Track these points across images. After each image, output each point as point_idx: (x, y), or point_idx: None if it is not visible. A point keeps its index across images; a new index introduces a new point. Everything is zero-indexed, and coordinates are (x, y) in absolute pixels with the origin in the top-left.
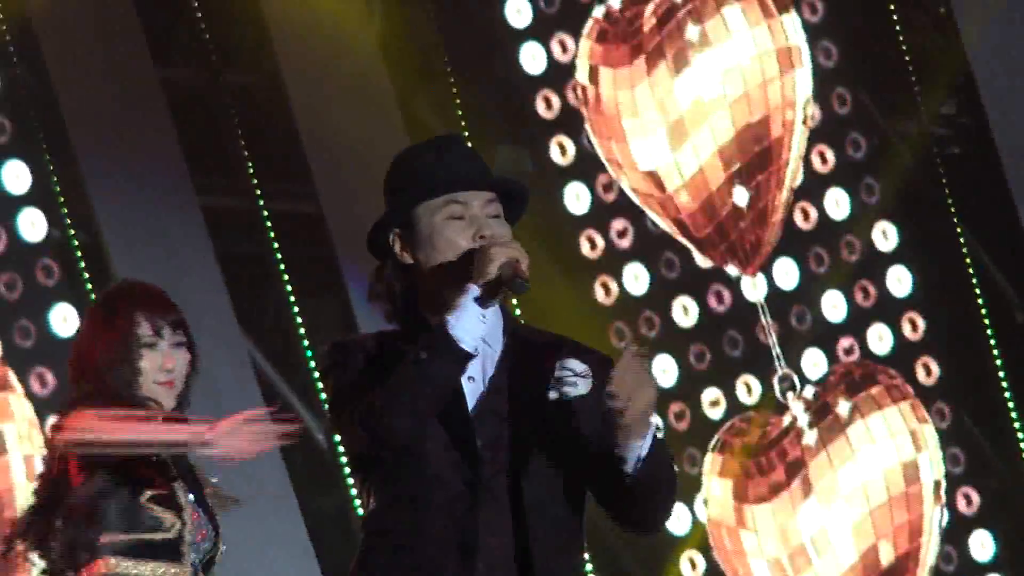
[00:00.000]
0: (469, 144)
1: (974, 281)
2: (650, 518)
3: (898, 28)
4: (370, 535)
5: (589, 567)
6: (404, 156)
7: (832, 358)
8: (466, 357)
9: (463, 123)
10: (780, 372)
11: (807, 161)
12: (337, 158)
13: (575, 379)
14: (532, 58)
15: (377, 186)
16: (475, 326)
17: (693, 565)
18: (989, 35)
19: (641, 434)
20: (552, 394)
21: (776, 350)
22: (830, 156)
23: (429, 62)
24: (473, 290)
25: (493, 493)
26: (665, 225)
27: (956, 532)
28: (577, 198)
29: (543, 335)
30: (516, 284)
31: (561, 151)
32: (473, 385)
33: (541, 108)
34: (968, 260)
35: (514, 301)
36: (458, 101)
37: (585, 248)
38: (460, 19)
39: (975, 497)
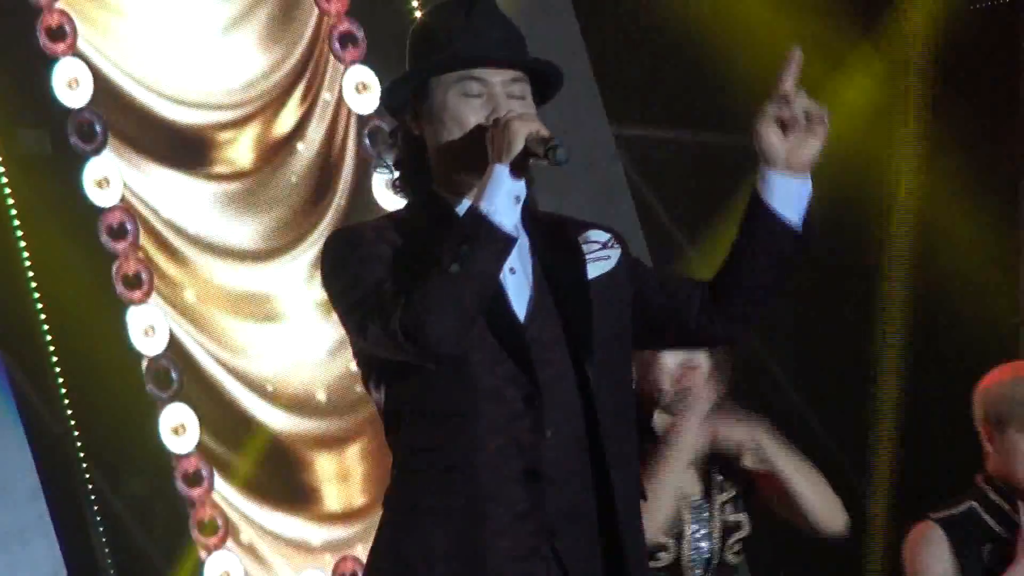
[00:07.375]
0: (497, 6)
1: None
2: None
3: None
4: (413, 451)
5: None
6: (431, 12)
7: None
8: (510, 243)
9: None
10: None
11: None
12: None
13: (605, 251)
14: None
15: None
16: (511, 208)
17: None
18: None
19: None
20: (592, 272)
21: None
22: None
23: None
24: (500, 169)
25: (555, 399)
26: None
27: None
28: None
29: (547, 215)
30: (554, 154)
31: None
32: (515, 279)
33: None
34: None
35: None
36: None
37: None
38: None
39: None
